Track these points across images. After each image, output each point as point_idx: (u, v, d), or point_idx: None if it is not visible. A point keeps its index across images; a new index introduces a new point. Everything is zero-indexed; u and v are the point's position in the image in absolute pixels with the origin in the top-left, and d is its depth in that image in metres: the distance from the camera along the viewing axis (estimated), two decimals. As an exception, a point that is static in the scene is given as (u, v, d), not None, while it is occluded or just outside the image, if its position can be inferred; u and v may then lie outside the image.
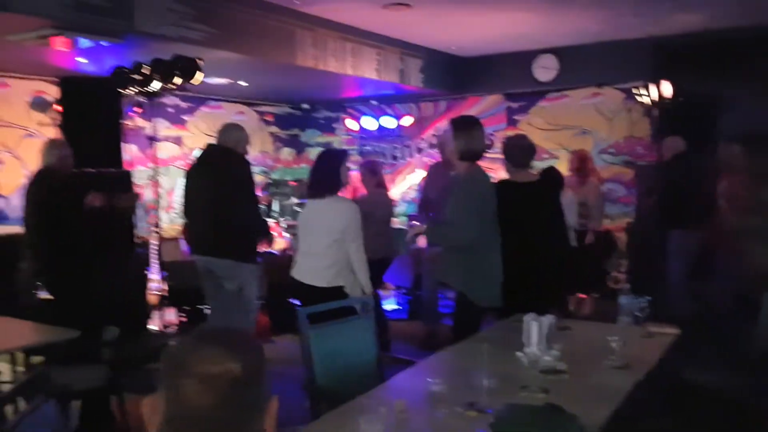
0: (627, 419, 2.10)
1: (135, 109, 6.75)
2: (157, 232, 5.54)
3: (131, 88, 5.29)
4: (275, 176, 9.54)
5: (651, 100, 6.61)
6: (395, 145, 9.54)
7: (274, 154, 9.67)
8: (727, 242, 4.46)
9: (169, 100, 8.00)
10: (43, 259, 3.95)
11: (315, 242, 3.64)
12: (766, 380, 2.76)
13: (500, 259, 3.45)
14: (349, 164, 3.81)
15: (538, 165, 6.37)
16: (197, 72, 4.94)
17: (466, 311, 3.32)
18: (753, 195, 3.79)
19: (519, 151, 3.86)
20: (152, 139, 5.37)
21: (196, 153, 6.76)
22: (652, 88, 6.54)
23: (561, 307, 3.96)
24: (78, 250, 3.92)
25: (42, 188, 3.97)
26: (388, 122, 9.22)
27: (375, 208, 4.88)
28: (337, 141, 9.99)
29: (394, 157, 9.57)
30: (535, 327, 2.45)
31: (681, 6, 5.94)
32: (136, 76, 5.16)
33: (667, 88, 6.38)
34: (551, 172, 5.61)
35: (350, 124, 9.59)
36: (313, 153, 9.99)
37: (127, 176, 5.18)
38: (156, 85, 5.14)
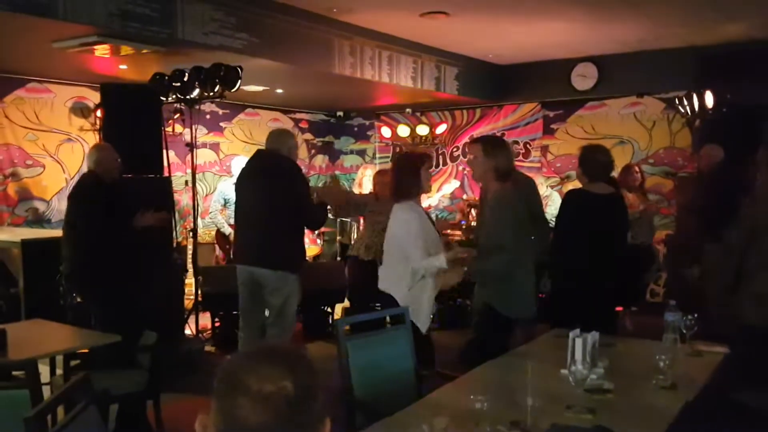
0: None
1: (175, 115, 6.85)
2: (193, 238, 5.59)
3: (171, 95, 5.35)
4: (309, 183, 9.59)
5: (692, 110, 6.46)
6: (430, 153, 9.49)
7: (308, 161, 9.72)
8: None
9: (206, 106, 8.09)
10: (82, 262, 3.98)
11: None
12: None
13: (531, 268, 3.43)
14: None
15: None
16: (237, 80, 4.98)
17: (493, 324, 3.27)
18: None
19: (596, 166, 3.78)
20: (190, 146, 5.41)
21: (236, 160, 6.89)
22: (694, 97, 6.39)
23: (609, 322, 3.84)
24: (121, 254, 3.94)
25: (89, 191, 3.99)
26: (423, 130, 9.18)
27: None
28: (371, 148, 10.00)
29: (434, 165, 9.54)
30: (579, 343, 2.38)
31: (726, 15, 5.80)
32: (176, 84, 5.22)
33: (709, 98, 6.22)
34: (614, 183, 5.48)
35: (385, 131, 9.58)
36: (347, 160, 10.03)
37: (167, 182, 5.23)
38: (195, 93, 5.19)
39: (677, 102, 6.75)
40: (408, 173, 3.51)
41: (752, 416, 2.83)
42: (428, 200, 7.76)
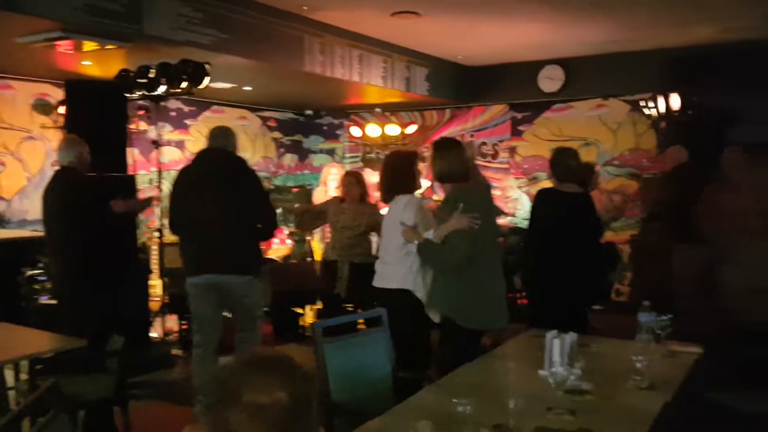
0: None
1: (139, 112, 6.69)
2: (158, 238, 5.46)
3: (136, 91, 5.22)
4: (278, 182, 9.49)
5: (658, 112, 6.58)
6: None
7: (276, 160, 9.61)
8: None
9: (172, 104, 7.94)
10: (61, 263, 3.84)
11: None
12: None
13: (497, 278, 3.28)
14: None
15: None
16: (204, 77, 4.88)
17: (452, 337, 3.15)
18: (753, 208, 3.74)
19: (565, 169, 3.87)
20: (156, 144, 5.29)
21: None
22: (660, 100, 6.51)
23: (582, 321, 3.89)
24: (92, 255, 3.81)
25: (64, 188, 3.83)
26: (392, 130, 9.16)
27: (361, 220, 4.82)
28: (340, 148, 9.95)
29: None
30: (557, 344, 2.39)
31: (695, 18, 5.92)
32: (142, 80, 5.10)
33: (675, 100, 6.35)
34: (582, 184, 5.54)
35: (354, 131, 9.54)
36: (317, 160, 9.95)
37: (131, 181, 5.10)
38: (162, 89, 5.08)
39: (642, 104, 6.87)
40: (405, 170, 3.53)
41: (727, 415, 2.88)
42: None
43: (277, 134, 9.56)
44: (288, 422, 0.94)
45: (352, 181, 4.97)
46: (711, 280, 3.91)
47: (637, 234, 7.44)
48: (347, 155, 9.91)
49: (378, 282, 3.59)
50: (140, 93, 5.26)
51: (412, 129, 9.19)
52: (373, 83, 6.89)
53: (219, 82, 6.77)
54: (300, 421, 0.96)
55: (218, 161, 3.87)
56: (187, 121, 8.23)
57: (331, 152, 10.03)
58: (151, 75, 5.10)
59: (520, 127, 8.54)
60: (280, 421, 0.93)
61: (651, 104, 6.65)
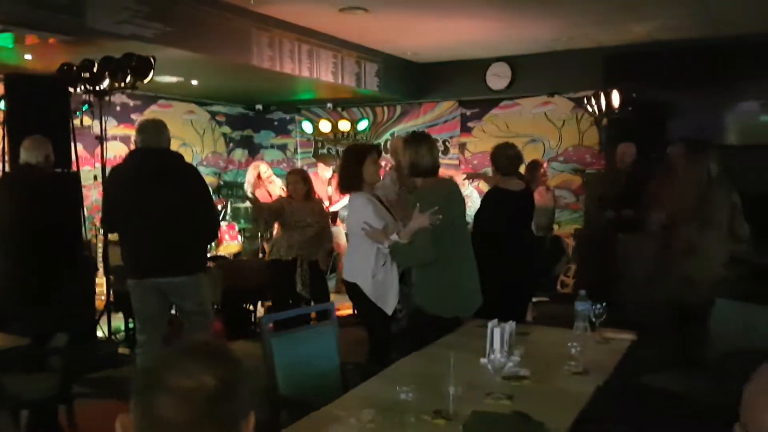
0: (590, 423, 2.15)
1: (83, 107, 6.53)
2: (103, 235, 5.35)
3: (80, 86, 5.11)
4: (227, 178, 9.40)
5: (600, 109, 6.80)
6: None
7: (226, 155, 9.52)
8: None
9: (117, 98, 7.77)
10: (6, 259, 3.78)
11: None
12: (723, 382, 2.87)
13: (467, 268, 3.38)
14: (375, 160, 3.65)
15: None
16: (150, 70, 4.81)
17: (420, 326, 3.27)
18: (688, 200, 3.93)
19: (505, 160, 4.04)
20: (100, 139, 5.18)
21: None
22: (601, 97, 6.73)
23: (524, 312, 4.07)
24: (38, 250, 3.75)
25: (23, 187, 3.77)
26: (344, 125, 9.20)
27: (306, 217, 4.87)
28: (292, 143, 9.92)
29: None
30: (498, 333, 2.48)
31: (633, 17, 6.14)
32: (85, 74, 4.99)
33: (615, 98, 6.57)
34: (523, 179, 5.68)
35: (306, 126, 9.53)
36: (268, 155, 9.89)
37: (75, 177, 5.00)
38: (105, 84, 4.98)
39: (585, 101, 7.09)
40: (352, 165, 3.58)
41: (658, 397, 3.03)
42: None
43: (226, 129, 9.47)
44: (214, 406, 0.96)
45: (298, 179, 5.00)
46: (653, 268, 4.10)
47: (581, 227, 7.68)
48: (299, 151, 9.89)
49: (348, 275, 3.66)
50: (83, 87, 5.14)
51: (363, 125, 9.26)
52: (324, 79, 6.90)
53: (165, 75, 6.69)
54: (227, 406, 0.98)
55: (150, 161, 3.69)
56: (133, 116, 8.07)
57: (282, 148, 9.99)
58: (95, 69, 4.99)
59: (470, 124, 8.69)
60: (206, 405, 0.96)
61: (593, 101, 6.87)
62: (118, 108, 7.88)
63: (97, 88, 5.08)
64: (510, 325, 2.53)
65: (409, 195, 3.58)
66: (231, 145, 9.60)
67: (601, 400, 2.30)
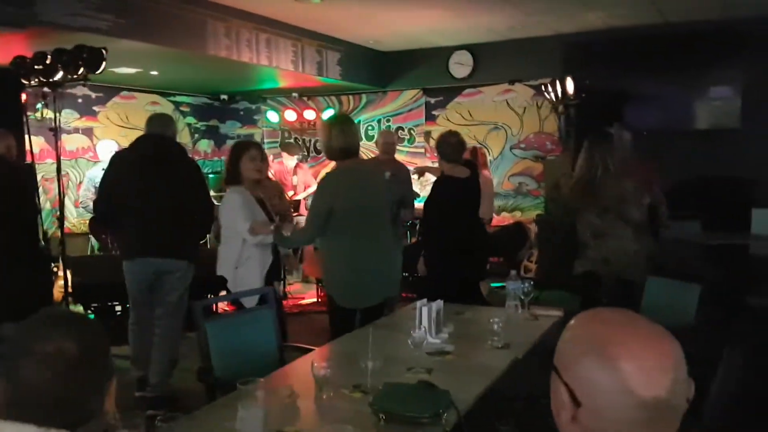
0: (505, 396, 2.26)
1: (43, 100, 6.50)
2: (60, 227, 5.34)
3: (34, 78, 5.09)
4: (193, 169, 9.39)
5: (556, 97, 6.92)
6: (318, 138, 9.57)
7: (191, 146, 9.51)
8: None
9: (78, 90, 7.75)
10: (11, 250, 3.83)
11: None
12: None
13: (376, 255, 3.34)
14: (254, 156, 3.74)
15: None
16: (101, 62, 4.81)
17: (333, 311, 3.36)
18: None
19: (448, 148, 4.16)
20: (54, 131, 5.17)
21: (102, 145, 6.63)
22: (558, 84, 6.85)
23: (475, 294, 4.18)
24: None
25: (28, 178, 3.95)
26: (309, 115, 9.24)
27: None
28: (259, 133, 9.93)
29: (318, 151, 9.63)
30: (425, 311, 2.58)
31: (585, 4, 6.25)
32: (39, 67, 4.98)
33: (570, 85, 6.70)
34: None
35: (271, 116, 9.55)
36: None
37: (30, 170, 5.00)
38: (59, 76, 4.97)
39: (544, 89, 7.21)
40: (230, 162, 3.70)
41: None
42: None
43: (191, 119, 9.46)
44: (75, 371, 1.04)
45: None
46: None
47: (542, 213, 7.83)
48: (266, 140, 9.90)
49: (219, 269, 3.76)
50: (37, 80, 5.12)
51: (328, 113, 9.29)
52: (283, 67, 6.93)
53: (123, 67, 6.68)
54: (88, 371, 1.05)
55: (157, 147, 3.92)
56: (96, 108, 8.05)
57: (249, 138, 9.98)
58: (48, 61, 4.97)
59: (434, 112, 8.77)
60: (68, 370, 1.03)
61: (550, 89, 6.98)
62: (80, 100, 7.86)
63: (51, 80, 5.05)
64: (437, 304, 2.63)
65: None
66: (196, 135, 9.60)
67: (522, 372, 2.41)
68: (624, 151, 4.54)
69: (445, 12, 6.54)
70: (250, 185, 3.72)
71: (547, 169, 7.77)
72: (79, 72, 4.88)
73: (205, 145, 9.72)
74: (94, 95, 7.99)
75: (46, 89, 5.48)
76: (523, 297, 2.94)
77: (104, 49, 4.89)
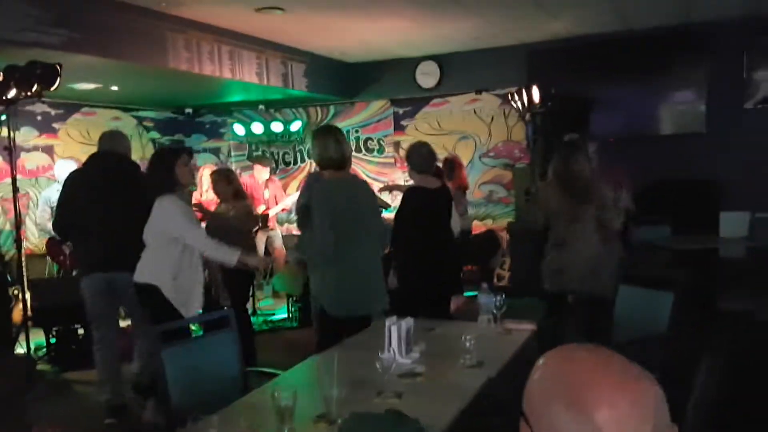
0: (479, 416, 2.17)
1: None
2: (17, 249, 5.13)
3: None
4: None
5: (523, 105, 6.92)
6: (286, 150, 9.45)
7: (156, 161, 9.29)
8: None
9: (36, 107, 7.51)
10: None
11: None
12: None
13: (360, 265, 3.34)
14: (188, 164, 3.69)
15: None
16: (56, 78, 4.65)
17: (323, 322, 3.29)
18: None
19: (418, 158, 4.09)
20: (9, 150, 4.97)
21: (60, 164, 6.41)
22: (524, 93, 6.84)
23: (446, 308, 4.11)
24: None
25: None
26: (277, 127, 9.11)
27: (234, 220, 4.81)
28: (226, 146, 9.76)
29: (286, 163, 9.50)
30: (394, 331, 2.48)
31: (548, 13, 6.27)
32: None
33: (535, 94, 6.69)
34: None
35: (238, 129, 9.39)
36: (201, 159, 9.70)
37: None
38: (12, 93, 4.78)
39: (510, 97, 7.20)
40: (161, 169, 3.61)
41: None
42: (288, 197, 7.69)
43: (155, 134, 9.25)
44: None
45: (221, 178, 4.93)
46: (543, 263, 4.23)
47: (513, 221, 7.81)
48: (233, 153, 9.74)
49: (141, 277, 3.64)
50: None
51: (296, 125, 9.18)
52: (247, 79, 6.80)
53: (81, 82, 6.49)
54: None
55: (108, 164, 4.11)
56: (55, 125, 7.81)
57: (215, 151, 9.83)
58: (0, 78, 4.79)
59: (403, 122, 8.72)
60: None
61: (517, 97, 6.98)
62: (38, 117, 7.62)
63: (4, 97, 4.86)
64: (407, 322, 2.54)
65: None
66: (161, 151, 9.38)
67: (496, 390, 2.32)
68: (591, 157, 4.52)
69: (410, 23, 6.50)
70: (184, 192, 3.73)
71: (517, 177, 7.76)
72: (33, 89, 4.71)
73: (170, 161, 9.50)
74: (53, 112, 7.75)
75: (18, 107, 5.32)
76: (495, 311, 2.86)
77: (59, 64, 4.72)
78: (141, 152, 9.01)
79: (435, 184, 4.12)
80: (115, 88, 7.02)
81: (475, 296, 7.33)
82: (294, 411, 1.90)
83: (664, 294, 3.21)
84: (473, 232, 8.05)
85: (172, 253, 3.50)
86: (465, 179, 6.97)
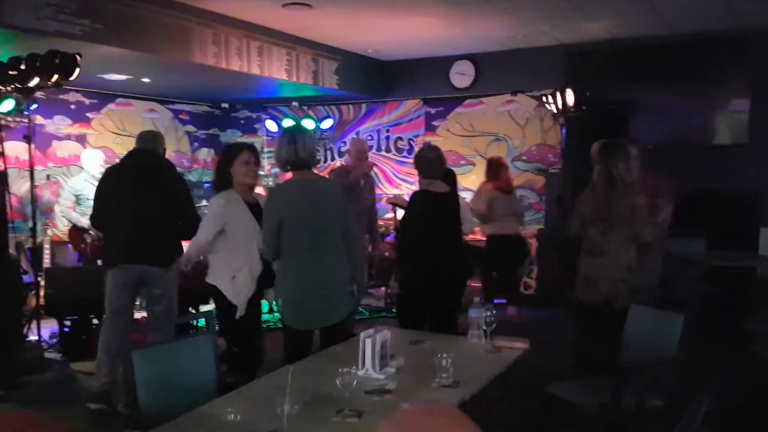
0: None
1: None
2: (32, 237, 5.18)
3: (9, 84, 4.97)
4: (192, 177, 9.27)
5: (557, 108, 6.66)
6: (318, 148, 9.39)
7: (190, 154, 9.38)
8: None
9: (71, 96, 7.65)
10: None
11: None
12: (617, 396, 2.74)
13: (323, 274, 3.13)
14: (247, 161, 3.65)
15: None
16: (75, 68, 4.68)
17: (286, 333, 3.15)
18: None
19: (426, 163, 3.91)
20: (27, 138, 5.03)
21: (86, 154, 6.49)
22: (558, 96, 6.59)
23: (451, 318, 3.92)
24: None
25: None
26: (308, 124, 9.07)
27: None
28: (259, 142, 9.78)
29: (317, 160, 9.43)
30: (369, 344, 2.35)
31: (587, 15, 6.01)
32: (13, 72, 4.85)
33: (570, 96, 6.44)
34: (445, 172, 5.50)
35: (270, 125, 9.40)
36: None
37: (3, 177, 4.87)
38: (35, 81, 4.84)
39: (545, 100, 6.96)
40: (220, 166, 3.62)
41: (564, 408, 2.88)
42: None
43: (190, 128, 9.33)
44: None
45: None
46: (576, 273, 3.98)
47: (543, 228, 7.55)
48: (266, 149, 9.75)
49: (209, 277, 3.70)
50: (12, 86, 5.00)
51: (327, 123, 9.13)
52: (276, 76, 6.75)
53: (111, 73, 6.56)
54: None
55: (146, 162, 4.16)
56: (89, 114, 7.93)
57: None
58: (22, 66, 4.85)
59: (434, 123, 8.55)
60: None
61: (551, 100, 6.73)
62: (72, 106, 7.75)
63: (26, 85, 4.92)
64: (383, 335, 2.40)
65: None
66: (196, 144, 9.46)
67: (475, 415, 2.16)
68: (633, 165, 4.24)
69: (442, 20, 6.34)
70: (242, 191, 3.62)
71: (549, 182, 7.49)
72: (53, 78, 4.76)
73: (204, 154, 9.58)
74: (87, 101, 7.87)
75: (39, 94, 5.42)
76: (485, 327, 2.70)
77: (78, 54, 4.76)
78: (176, 145, 9.12)
79: (443, 188, 3.95)
80: (146, 80, 7.08)
81: (501, 304, 7.14)
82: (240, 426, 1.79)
83: (675, 316, 2.98)
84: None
85: (224, 254, 3.57)
86: (508, 179, 6.65)
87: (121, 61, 5.85)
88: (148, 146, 4.24)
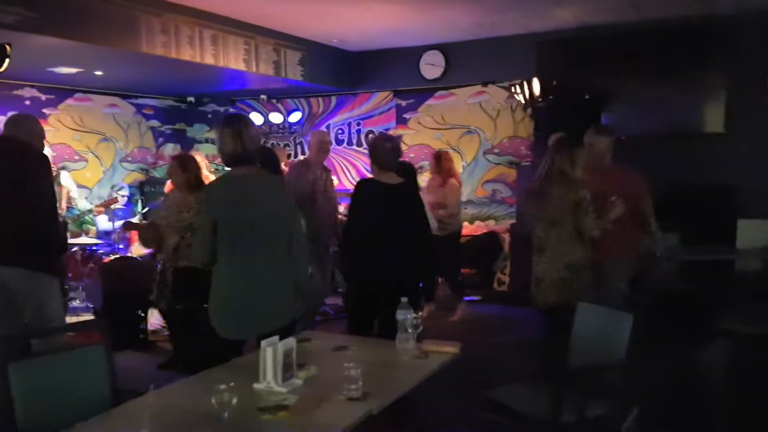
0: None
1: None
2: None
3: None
4: (157, 174, 9.00)
5: (525, 98, 6.44)
6: (287, 142, 9.14)
7: (155, 150, 9.10)
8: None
9: (25, 91, 7.38)
10: None
11: None
12: (558, 402, 2.52)
13: (262, 277, 2.86)
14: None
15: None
16: (5, 58, 4.42)
17: (214, 343, 2.85)
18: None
19: (381, 152, 3.64)
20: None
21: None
22: (526, 86, 6.36)
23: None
24: None
25: None
26: (276, 118, 8.82)
27: (186, 214, 4.46)
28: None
29: (287, 155, 9.20)
30: (269, 354, 2.10)
31: (555, 0, 5.77)
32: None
33: (536, 86, 6.21)
34: (404, 167, 5.24)
35: (255, 117, 9.13)
36: (203, 149, 9.47)
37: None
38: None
39: (513, 90, 6.72)
40: None
41: (501, 414, 2.65)
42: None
43: (154, 122, 9.05)
44: None
45: (174, 165, 4.59)
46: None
47: (515, 223, 7.33)
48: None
49: None
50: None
51: (296, 116, 8.87)
52: (233, 66, 6.48)
53: (60, 66, 6.29)
54: None
55: (6, 148, 3.61)
56: (45, 110, 7.65)
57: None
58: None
59: (405, 115, 8.31)
60: None
61: (519, 90, 6.50)
62: (27, 102, 7.47)
63: (-42, 77, 4.66)
64: (287, 343, 2.16)
65: None
66: (161, 139, 9.18)
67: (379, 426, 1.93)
68: (600, 157, 4.01)
69: (406, 7, 6.09)
70: None
71: (521, 175, 7.27)
72: (-19, 69, 4.49)
73: (170, 150, 9.30)
74: (44, 97, 7.59)
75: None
76: (411, 329, 2.46)
77: (8, 44, 4.50)
78: (139, 141, 8.84)
79: (394, 180, 3.70)
80: (99, 72, 6.80)
81: (474, 301, 6.90)
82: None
83: (624, 316, 2.75)
84: (473, 234, 7.62)
85: None
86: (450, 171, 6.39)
87: (65, 53, 5.59)
88: (9, 132, 3.69)
